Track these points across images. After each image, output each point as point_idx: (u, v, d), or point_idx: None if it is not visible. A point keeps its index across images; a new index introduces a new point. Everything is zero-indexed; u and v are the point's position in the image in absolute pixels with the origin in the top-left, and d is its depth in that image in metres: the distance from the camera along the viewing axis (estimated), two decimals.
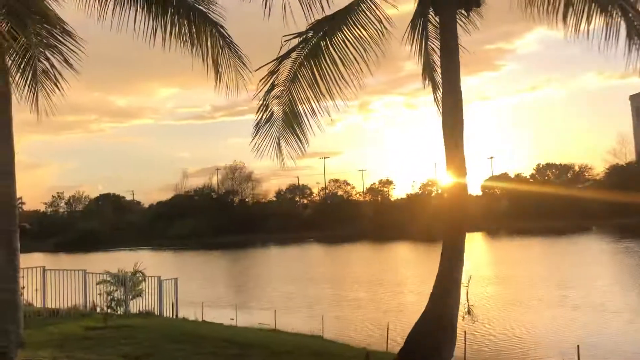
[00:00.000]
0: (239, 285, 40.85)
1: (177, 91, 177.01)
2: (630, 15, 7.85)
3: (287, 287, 36.48)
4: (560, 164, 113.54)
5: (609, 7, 8.04)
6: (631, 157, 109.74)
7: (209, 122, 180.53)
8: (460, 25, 10.16)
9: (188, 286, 33.82)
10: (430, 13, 10.44)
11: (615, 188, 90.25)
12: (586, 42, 8.47)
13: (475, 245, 65.96)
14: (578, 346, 12.20)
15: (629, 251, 49.74)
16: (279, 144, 9.98)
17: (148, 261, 29.85)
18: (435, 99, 11.04)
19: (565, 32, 8.75)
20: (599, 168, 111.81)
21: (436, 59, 10.68)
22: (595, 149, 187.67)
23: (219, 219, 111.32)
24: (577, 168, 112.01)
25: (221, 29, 9.13)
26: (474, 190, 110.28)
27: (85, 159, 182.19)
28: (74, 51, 8.57)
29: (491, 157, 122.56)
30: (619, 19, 8.13)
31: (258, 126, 9.86)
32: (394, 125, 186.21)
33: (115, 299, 16.14)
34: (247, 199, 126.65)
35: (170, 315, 20.83)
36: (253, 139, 9.88)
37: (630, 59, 8.17)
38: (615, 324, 20.60)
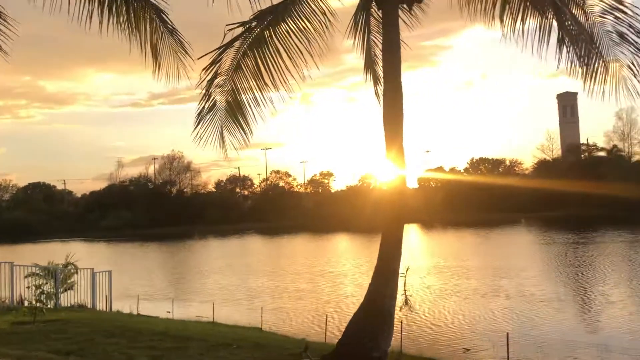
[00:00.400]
0: (177, 278, 40.13)
1: (113, 77, 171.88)
2: (562, 15, 8.16)
3: (227, 280, 36.17)
4: (493, 159, 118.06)
5: (544, 7, 8.32)
6: (558, 152, 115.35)
7: (146, 110, 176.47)
8: (403, 20, 10.29)
9: (123, 279, 32.97)
10: (373, 7, 10.53)
11: (543, 182, 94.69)
12: (520, 42, 8.73)
13: (412, 236, 67.51)
14: (507, 334, 12.68)
15: (555, 242, 52.29)
16: (222, 134, 9.84)
17: (80, 253, 28.86)
18: (377, 93, 11.16)
19: (501, 31, 9.01)
20: (528, 163, 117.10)
21: (378, 52, 10.78)
22: (524, 144, 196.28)
23: (155, 209, 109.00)
24: (508, 163, 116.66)
25: (163, 15, 8.88)
26: (411, 182, 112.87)
27: (13, 145, 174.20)
28: (3, 32, 8.10)
29: (427, 151, 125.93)
30: (551, 19, 8.43)
31: (200, 115, 9.68)
32: (335, 118, 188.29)
33: (45, 292, 15.48)
34: (185, 190, 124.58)
35: (104, 309, 20.26)
36: (195, 129, 9.70)
37: (560, 58, 8.49)
38: (544, 313, 21.56)
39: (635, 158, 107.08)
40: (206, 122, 9.82)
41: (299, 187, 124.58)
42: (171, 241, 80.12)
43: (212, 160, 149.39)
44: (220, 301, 26.24)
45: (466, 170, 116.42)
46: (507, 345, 12.30)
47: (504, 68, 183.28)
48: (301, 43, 9.54)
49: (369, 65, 11.16)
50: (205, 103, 9.69)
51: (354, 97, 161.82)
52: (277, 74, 9.52)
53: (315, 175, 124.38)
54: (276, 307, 24.98)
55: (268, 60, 9.55)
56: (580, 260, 38.15)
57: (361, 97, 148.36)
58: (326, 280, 33.58)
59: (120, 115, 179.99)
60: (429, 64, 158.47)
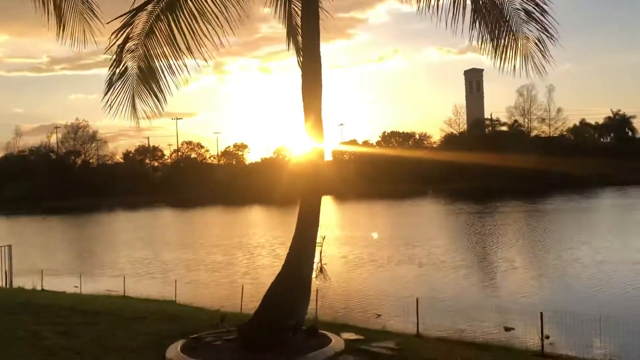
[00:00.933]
0: (84, 252, 38.53)
1: (8, 39, 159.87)
2: None
3: (138, 253, 35.14)
4: (403, 132, 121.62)
5: None
6: (464, 127, 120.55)
7: (47, 75, 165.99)
8: None
9: (25, 254, 31.19)
10: None
11: (449, 155, 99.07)
12: (431, 17, 8.86)
13: (326, 208, 68.56)
14: (417, 299, 13.24)
15: (461, 212, 55.05)
16: (134, 101, 9.41)
17: None
18: (299, 63, 11.03)
19: (417, 6, 9.10)
20: (436, 136, 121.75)
21: (300, 22, 10.64)
22: (433, 118, 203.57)
23: (59, 181, 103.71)
24: (417, 136, 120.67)
25: None
26: (325, 155, 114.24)
27: None
28: None
29: (341, 124, 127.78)
30: None
31: (111, 82, 9.18)
32: (249, 89, 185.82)
33: None
34: (91, 160, 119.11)
35: (4, 285, 19.16)
36: (105, 96, 9.20)
37: (473, 34, 8.73)
38: (453, 279, 22.65)
39: (534, 133, 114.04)
40: (117, 89, 9.36)
41: (212, 158, 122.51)
42: (77, 214, 76.67)
43: (120, 130, 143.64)
44: (132, 275, 25.50)
45: (378, 143, 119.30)
46: (417, 309, 12.87)
47: (415, 43, 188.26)
48: (217, 8, 9.23)
49: (292, 34, 10.99)
50: (116, 69, 9.20)
51: (268, 68, 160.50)
52: (191, 39, 9.18)
53: (228, 147, 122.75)
54: (191, 280, 24.62)
55: (182, 25, 9.19)
56: (486, 229, 40.40)
57: (276, 67, 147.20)
58: (243, 252, 33.45)
59: (17, 80, 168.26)
60: (344, 37, 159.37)
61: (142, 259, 32.53)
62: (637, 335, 11.55)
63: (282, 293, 8.97)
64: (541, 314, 10.82)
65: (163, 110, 9.54)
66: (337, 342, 8.98)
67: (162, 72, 9.42)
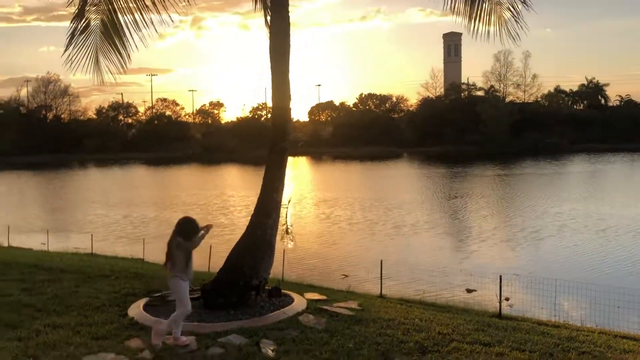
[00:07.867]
0: (53, 209, 38.08)
1: None
2: None
3: (109, 211, 34.87)
4: (380, 95, 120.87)
5: None
6: (441, 90, 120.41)
7: (19, 26, 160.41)
8: None
9: None
10: None
11: (425, 119, 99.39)
12: None
13: (301, 169, 68.62)
14: (381, 261, 13.48)
15: (434, 176, 55.57)
16: (97, 57, 9.18)
17: None
18: (267, 22, 10.84)
19: None
20: (413, 99, 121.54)
21: None
22: (412, 81, 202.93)
23: (29, 136, 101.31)
24: (394, 99, 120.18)
25: None
26: (302, 116, 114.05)
27: None
28: None
29: (319, 85, 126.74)
30: None
31: (73, 36, 8.93)
32: (228, 46, 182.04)
33: None
34: (62, 115, 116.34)
35: None
36: (66, 50, 8.96)
37: None
38: (423, 242, 22.98)
39: (509, 98, 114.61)
40: (79, 44, 9.10)
41: (187, 116, 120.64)
42: (47, 170, 75.36)
43: (94, 86, 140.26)
44: (101, 233, 25.34)
45: (355, 105, 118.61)
46: (381, 271, 13.12)
47: (400, 3, 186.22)
48: None
49: None
50: (78, 23, 8.94)
51: (248, 25, 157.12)
52: None
53: (204, 104, 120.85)
54: (161, 238, 24.58)
55: None
56: (457, 192, 40.89)
57: (255, 25, 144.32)
58: (212, 212, 33.41)
59: None
60: None
61: (110, 216, 32.26)
62: (593, 298, 11.97)
63: (245, 253, 9.05)
64: (500, 277, 11.11)
65: (127, 67, 9.33)
66: (299, 302, 9.13)
67: (127, 27, 9.17)
